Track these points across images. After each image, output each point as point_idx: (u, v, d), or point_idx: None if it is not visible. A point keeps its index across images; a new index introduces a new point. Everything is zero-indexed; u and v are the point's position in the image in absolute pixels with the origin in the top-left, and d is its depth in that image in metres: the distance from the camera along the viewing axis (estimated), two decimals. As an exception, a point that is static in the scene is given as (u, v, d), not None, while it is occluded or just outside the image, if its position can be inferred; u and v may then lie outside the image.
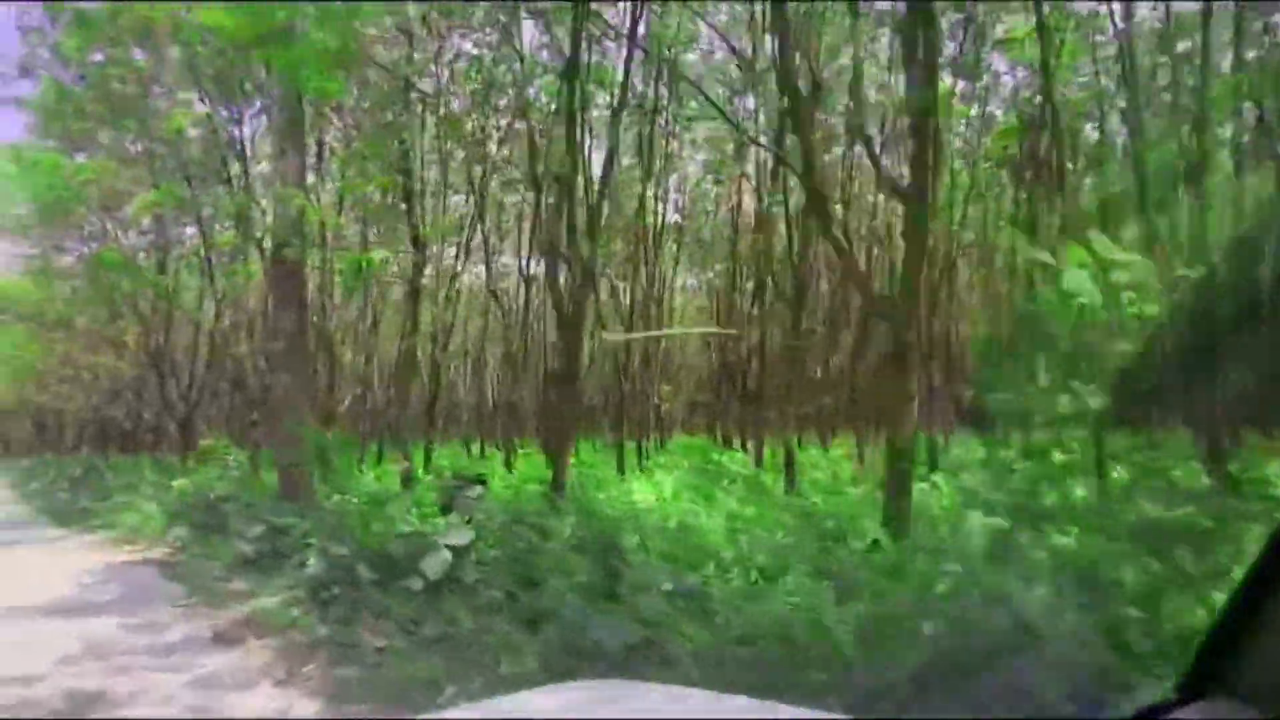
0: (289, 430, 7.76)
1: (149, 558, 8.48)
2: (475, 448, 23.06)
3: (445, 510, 6.04)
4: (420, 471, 12.46)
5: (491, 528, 5.53)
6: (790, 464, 10.41)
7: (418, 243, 13.95)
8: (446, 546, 4.81)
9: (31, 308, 25.38)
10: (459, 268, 19.30)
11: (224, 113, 16.76)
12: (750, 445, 16.11)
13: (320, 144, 16.51)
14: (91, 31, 14.26)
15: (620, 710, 1.33)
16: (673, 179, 21.26)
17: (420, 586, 4.69)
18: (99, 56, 15.95)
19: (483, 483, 6.24)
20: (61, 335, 26.11)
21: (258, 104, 15.99)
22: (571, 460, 11.36)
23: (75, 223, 21.13)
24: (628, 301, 18.38)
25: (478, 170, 17.37)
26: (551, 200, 12.94)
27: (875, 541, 5.22)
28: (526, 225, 19.05)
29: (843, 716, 2.34)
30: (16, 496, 22.38)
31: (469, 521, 5.33)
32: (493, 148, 17.20)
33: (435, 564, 4.69)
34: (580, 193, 11.38)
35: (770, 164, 14.61)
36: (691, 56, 17.22)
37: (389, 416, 18.81)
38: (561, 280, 10.81)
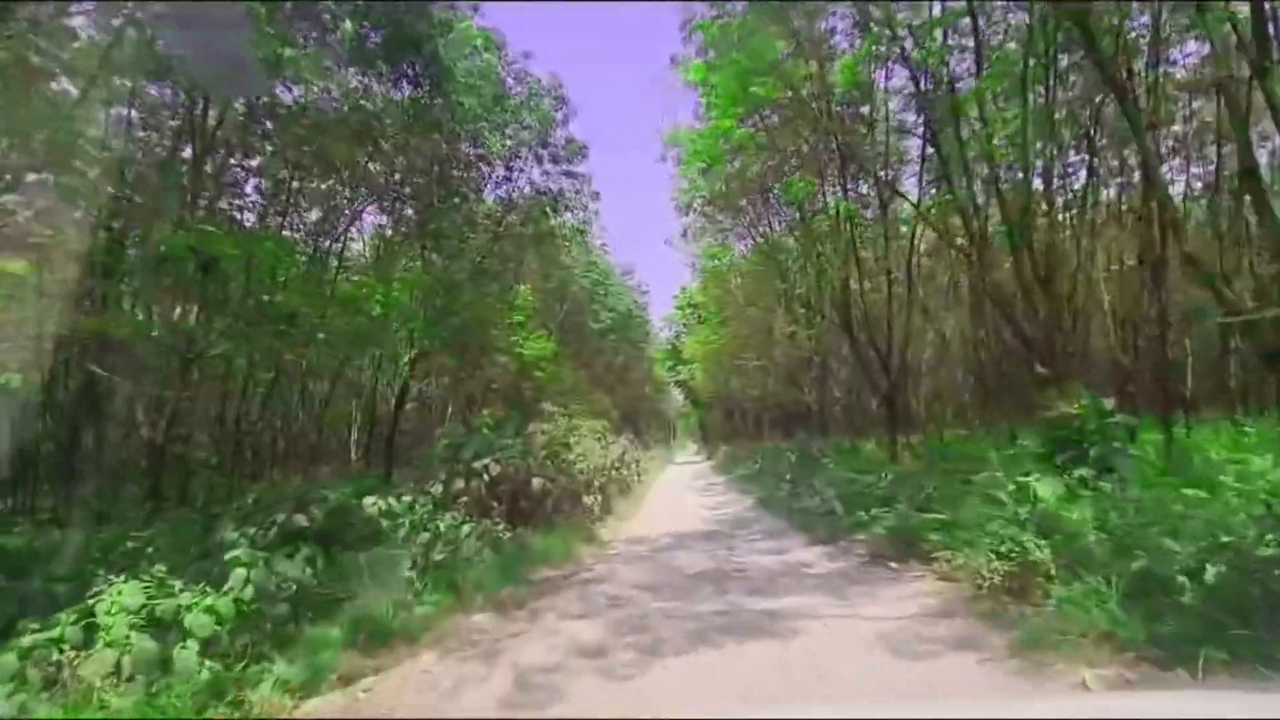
0: None
1: None
2: None
3: None
4: None
5: None
6: None
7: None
8: None
9: (711, 301, 26.65)
10: None
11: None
12: None
13: None
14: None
15: None
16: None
17: None
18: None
19: None
20: (733, 327, 26.81)
21: None
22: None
23: (737, 207, 20.35)
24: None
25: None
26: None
27: None
28: None
29: None
30: (726, 484, 21.96)
31: None
32: None
33: None
34: None
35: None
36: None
37: None
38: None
